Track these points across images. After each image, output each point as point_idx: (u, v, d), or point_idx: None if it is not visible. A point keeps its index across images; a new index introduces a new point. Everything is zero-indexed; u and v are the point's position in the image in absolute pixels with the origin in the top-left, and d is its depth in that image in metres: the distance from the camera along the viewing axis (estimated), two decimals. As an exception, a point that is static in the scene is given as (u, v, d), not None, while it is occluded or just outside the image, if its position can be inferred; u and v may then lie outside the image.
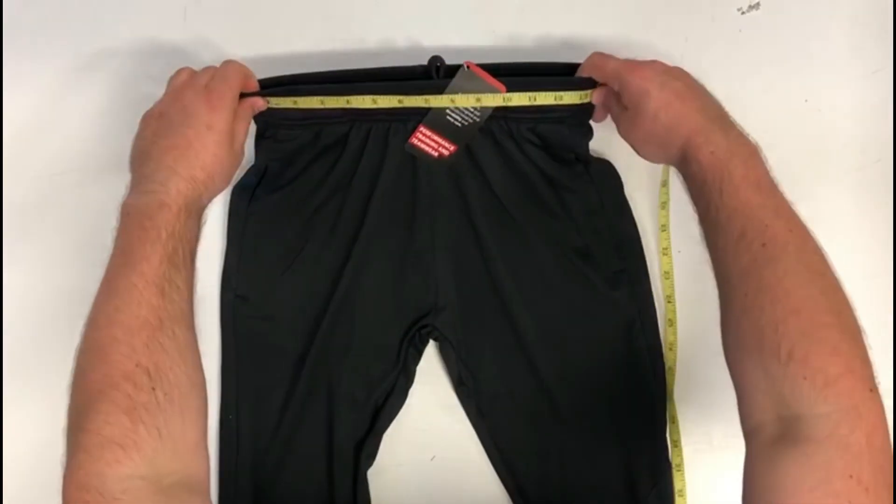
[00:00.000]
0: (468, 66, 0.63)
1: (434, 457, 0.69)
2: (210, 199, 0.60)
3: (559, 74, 0.66)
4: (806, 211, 0.71)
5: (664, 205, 0.70)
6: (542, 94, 0.64)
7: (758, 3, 0.73)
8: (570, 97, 0.64)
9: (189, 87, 0.60)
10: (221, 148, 0.59)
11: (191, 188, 0.56)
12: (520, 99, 0.64)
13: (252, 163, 0.69)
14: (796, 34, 0.73)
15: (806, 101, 0.72)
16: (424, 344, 0.68)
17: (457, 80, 0.63)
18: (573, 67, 0.66)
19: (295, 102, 0.64)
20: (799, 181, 0.71)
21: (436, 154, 0.66)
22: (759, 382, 0.49)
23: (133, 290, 0.51)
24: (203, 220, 0.59)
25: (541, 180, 0.68)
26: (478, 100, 0.63)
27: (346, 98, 0.63)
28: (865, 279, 0.70)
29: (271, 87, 0.65)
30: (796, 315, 0.49)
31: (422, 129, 0.65)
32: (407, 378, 0.67)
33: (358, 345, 0.67)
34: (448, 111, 0.64)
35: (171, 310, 0.52)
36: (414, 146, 0.66)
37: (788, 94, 0.72)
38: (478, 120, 0.65)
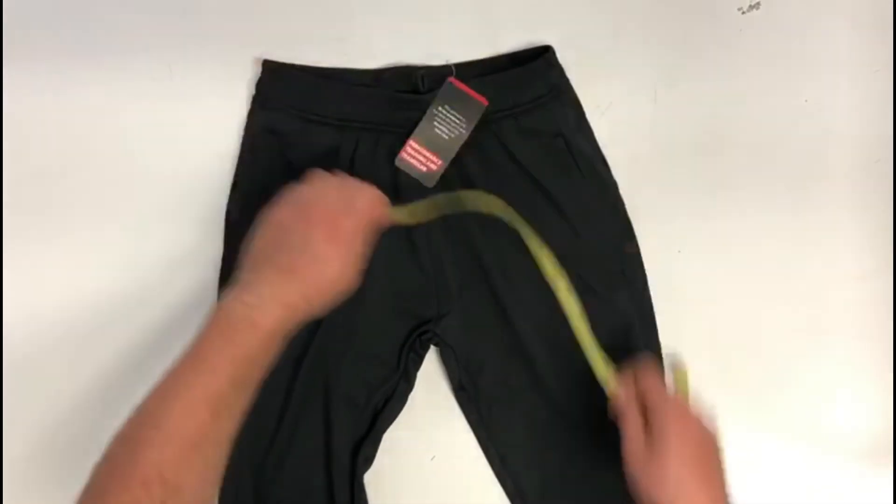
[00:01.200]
0: (452, 82, 0.65)
1: (434, 457, 0.69)
2: (305, 320, 0.56)
3: (529, 60, 0.69)
4: (806, 211, 0.71)
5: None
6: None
7: (758, 3, 0.73)
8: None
9: (321, 211, 0.57)
10: (331, 280, 0.56)
11: (287, 315, 0.54)
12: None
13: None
14: (796, 34, 0.73)
15: (806, 101, 0.72)
16: (425, 349, 0.68)
17: (441, 94, 0.65)
18: (542, 50, 0.69)
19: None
20: (799, 181, 0.71)
21: (424, 169, 0.67)
22: None
23: (188, 399, 0.49)
24: (287, 338, 0.56)
25: (532, 186, 0.68)
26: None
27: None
28: (865, 279, 0.70)
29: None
30: None
31: (411, 143, 0.66)
32: (408, 383, 0.67)
33: (359, 349, 0.67)
34: (436, 123, 0.66)
35: (216, 431, 0.50)
36: (403, 161, 0.67)
37: (788, 94, 0.72)
38: (464, 131, 0.66)
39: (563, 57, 0.71)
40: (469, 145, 0.67)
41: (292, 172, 0.67)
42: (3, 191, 0.71)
